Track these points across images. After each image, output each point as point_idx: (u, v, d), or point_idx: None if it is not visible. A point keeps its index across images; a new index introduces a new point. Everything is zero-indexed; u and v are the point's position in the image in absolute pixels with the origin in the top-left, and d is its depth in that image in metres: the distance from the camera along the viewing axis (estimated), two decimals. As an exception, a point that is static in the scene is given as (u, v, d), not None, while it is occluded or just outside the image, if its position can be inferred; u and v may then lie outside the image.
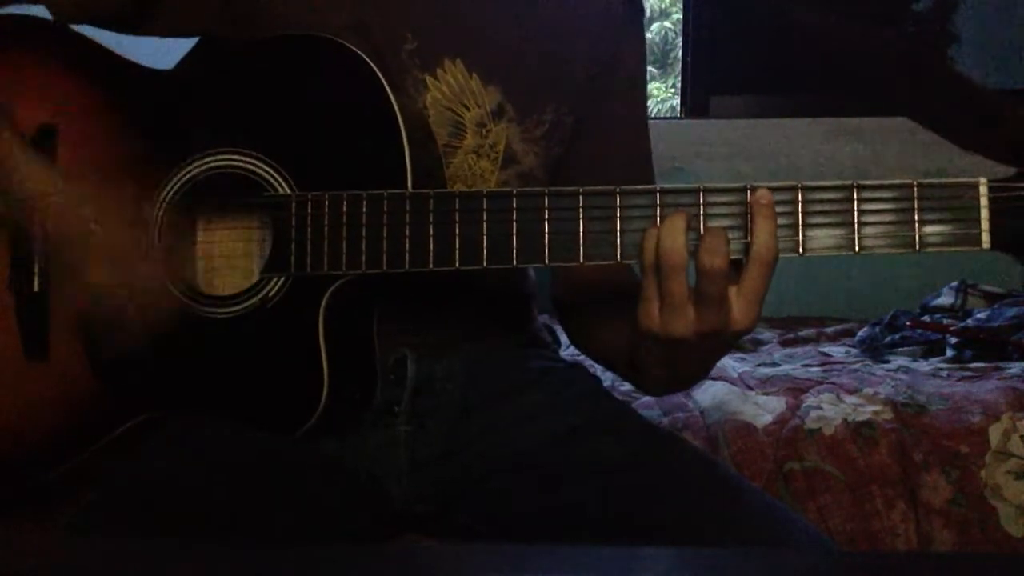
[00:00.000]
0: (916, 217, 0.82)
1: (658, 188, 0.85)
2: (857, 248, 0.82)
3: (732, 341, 0.87)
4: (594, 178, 0.91)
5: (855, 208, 0.82)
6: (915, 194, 0.82)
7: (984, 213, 0.81)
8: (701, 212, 0.84)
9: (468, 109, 1.01)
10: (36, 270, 0.98)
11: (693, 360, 0.91)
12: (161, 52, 1.03)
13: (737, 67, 3.14)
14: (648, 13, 1.18)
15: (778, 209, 0.83)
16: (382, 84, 0.91)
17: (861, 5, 3.03)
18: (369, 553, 0.69)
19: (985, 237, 0.81)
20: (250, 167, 0.94)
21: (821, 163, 2.77)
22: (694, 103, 3.18)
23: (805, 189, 0.83)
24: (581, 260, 0.86)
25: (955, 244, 0.82)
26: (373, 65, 0.91)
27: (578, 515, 0.95)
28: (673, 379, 0.97)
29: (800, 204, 0.83)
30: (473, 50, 1.01)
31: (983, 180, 0.81)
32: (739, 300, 0.82)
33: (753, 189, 0.83)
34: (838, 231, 0.83)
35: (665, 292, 0.82)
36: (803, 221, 0.83)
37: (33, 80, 1.00)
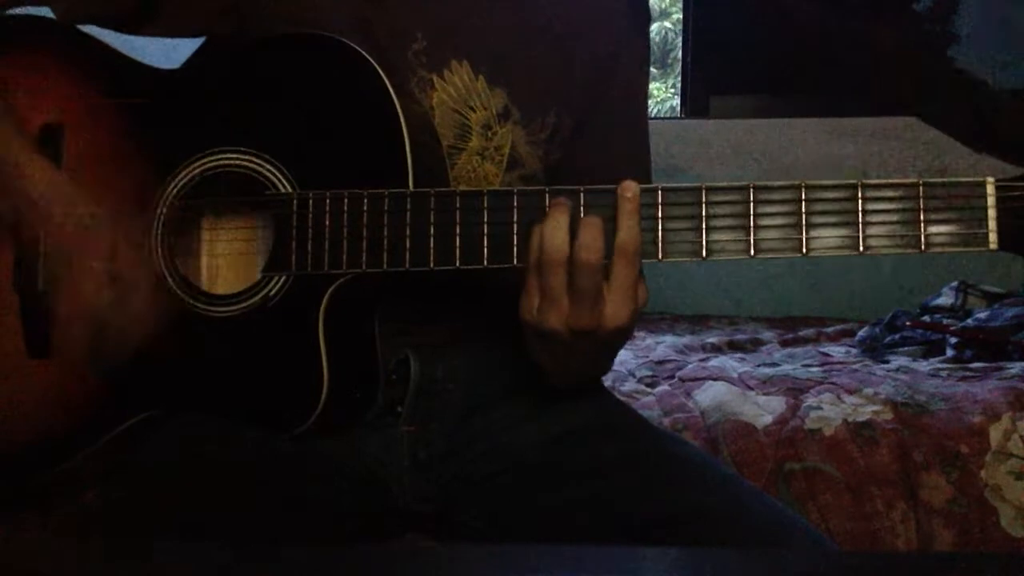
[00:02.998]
0: (922, 217, 0.81)
1: (660, 186, 0.85)
2: (862, 248, 0.82)
3: (612, 340, 0.88)
4: (595, 177, 0.91)
5: (860, 208, 0.82)
6: (921, 194, 0.81)
7: (991, 213, 0.80)
8: (703, 212, 0.84)
9: (474, 111, 1.01)
10: (40, 269, 0.98)
11: (575, 358, 0.92)
12: (170, 52, 1.04)
13: (737, 67, 3.14)
14: (650, 31, 1.18)
15: (782, 209, 0.82)
16: (385, 84, 0.91)
17: (861, 5, 3.03)
18: (369, 553, 0.69)
19: (992, 237, 0.80)
20: (252, 166, 0.94)
21: (821, 163, 2.77)
22: (694, 103, 3.18)
23: (808, 188, 0.83)
24: None
25: (962, 245, 0.81)
26: (376, 65, 0.91)
27: (578, 515, 0.95)
28: (562, 375, 0.98)
29: (803, 204, 0.83)
30: (480, 52, 1.01)
31: (990, 179, 0.80)
32: (610, 296, 0.83)
33: (757, 189, 0.83)
34: (842, 231, 0.82)
35: (544, 286, 0.84)
36: (807, 221, 0.83)
37: (39, 80, 1.00)
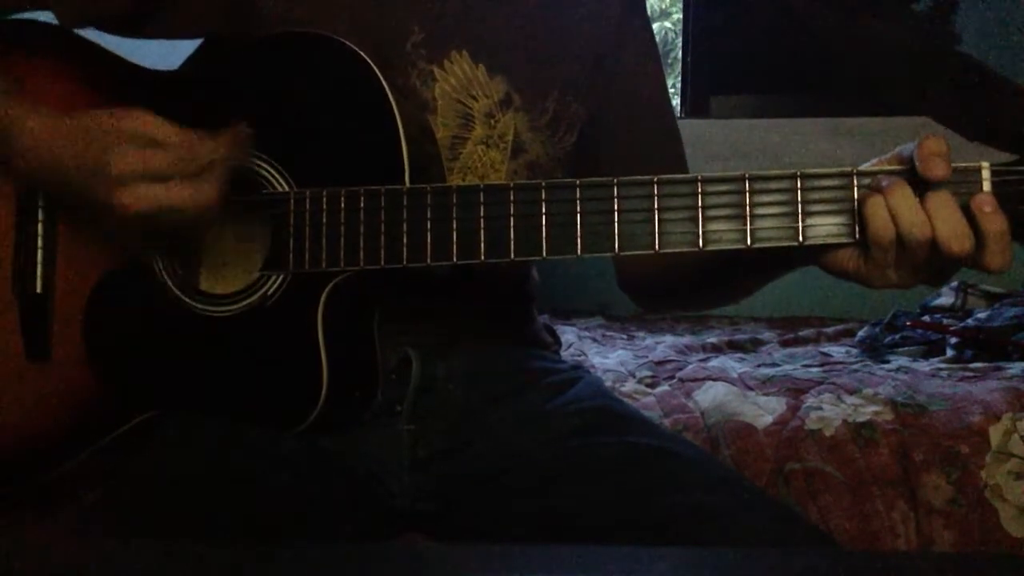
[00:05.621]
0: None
1: (655, 179, 0.85)
2: (858, 236, 0.83)
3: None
4: (626, 164, 0.92)
5: (855, 196, 0.82)
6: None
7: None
8: (699, 203, 0.84)
9: (476, 100, 1.02)
10: (39, 271, 0.98)
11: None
12: (167, 55, 1.04)
13: (737, 67, 3.14)
14: (648, 13, 1.18)
15: (778, 198, 0.83)
16: (381, 82, 0.91)
17: (861, 5, 3.03)
18: (369, 553, 0.69)
19: None
20: (249, 165, 0.94)
21: (821, 163, 2.76)
22: (694, 103, 3.18)
23: (804, 177, 0.83)
24: (579, 253, 0.86)
25: None
26: (372, 62, 0.91)
27: (578, 515, 0.95)
28: None
29: (800, 193, 0.83)
30: (478, 41, 1.02)
31: (985, 164, 0.81)
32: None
33: (753, 179, 0.83)
34: (839, 219, 0.83)
35: (914, 264, 0.82)
36: (803, 210, 0.83)
37: (39, 84, 1.00)
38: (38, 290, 0.98)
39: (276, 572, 0.61)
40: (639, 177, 0.85)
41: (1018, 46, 2.91)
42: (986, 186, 0.80)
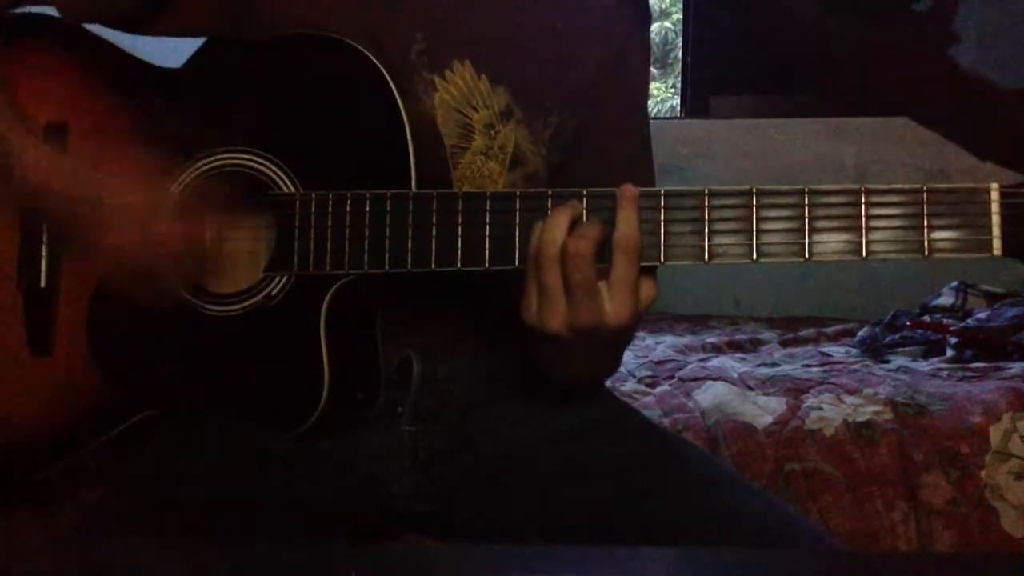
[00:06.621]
0: (925, 223, 0.80)
1: (663, 190, 0.85)
2: (865, 254, 0.81)
3: (614, 339, 0.87)
4: (607, 179, 0.92)
5: (863, 213, 0.82)
6: (924, 199, 0.81)
7: (996, 219, 0.79)
8: (706, 216, 0.84)
9: (477, 110, 1.01)
10: (43, 266, 0.98)
11: (578, 359, 0.94)
12: (170, 51, 1.04)
13: (737, 67, 3.14)
14: (650, 31, 1.19)
15: (784, 213, 0.82)
16: (389, 84, 0.91)
17: (861, 5, 3.03)
18: (369, 553, 0.69)
19: (996, 244, 0.79)
20: (256, 166, 0.94)
21: (821, 163, 2.77)
22: (694, 103, 3.18)
23: (812, 193, 0.82)
24: None
25: (965, 250, 0.80)
26: (380, 65, 0.91)
27: (578, 515, 0.95)
28: (567, 376, 1.00)
29: (807, 208, 0.82)
30: (481, 52, 1.01)
31: (994, 185, 0.80)
32: (610, 293, 0.83)
33: (759, 193, 0.82)
34: (845, 236, 0.82)
35: (542, 284, 0.83)
36: (810, 226, 0.82)
37: (44, 78, 1.00)
38: (42, 284, 0.98)
39: (277, 572, 0.61)
40: (646, 188, 0.85)
41: (1018, 47, 2.91)
42: (995, 207, 0.79)
